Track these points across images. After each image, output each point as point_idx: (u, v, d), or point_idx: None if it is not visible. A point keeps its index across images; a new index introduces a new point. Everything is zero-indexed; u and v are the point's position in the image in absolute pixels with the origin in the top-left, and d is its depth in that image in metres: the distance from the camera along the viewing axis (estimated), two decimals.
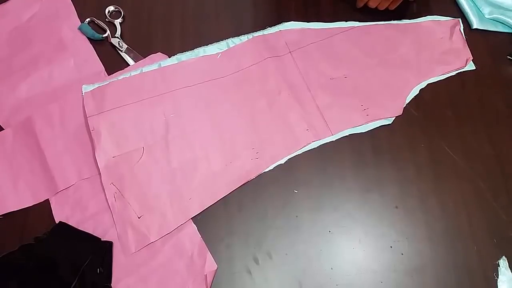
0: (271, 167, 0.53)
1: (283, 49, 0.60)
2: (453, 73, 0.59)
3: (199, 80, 0.57)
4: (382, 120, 0.56)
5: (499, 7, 0.63)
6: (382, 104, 0.56)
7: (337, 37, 0.61)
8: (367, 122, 0.55)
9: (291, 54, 0.59)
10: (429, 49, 0.61)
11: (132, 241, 0.48)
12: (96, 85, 0.55)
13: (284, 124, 0.55)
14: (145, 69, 0.57)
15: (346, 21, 0.62)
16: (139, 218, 0.49)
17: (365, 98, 0.57)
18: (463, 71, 0.59)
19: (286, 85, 0.57)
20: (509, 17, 0.62)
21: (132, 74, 0.56)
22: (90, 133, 0.53)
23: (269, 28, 0.61)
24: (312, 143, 0.54)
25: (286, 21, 0.62)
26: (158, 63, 0.58)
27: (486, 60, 0.60)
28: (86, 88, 0.55)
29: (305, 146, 0.54)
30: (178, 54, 0.59)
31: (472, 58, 0.60)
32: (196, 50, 0.59)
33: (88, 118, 0.53)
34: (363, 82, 0.58)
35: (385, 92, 0.57)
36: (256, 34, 0.60)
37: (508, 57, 0.60)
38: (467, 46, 0.61)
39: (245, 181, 0.52)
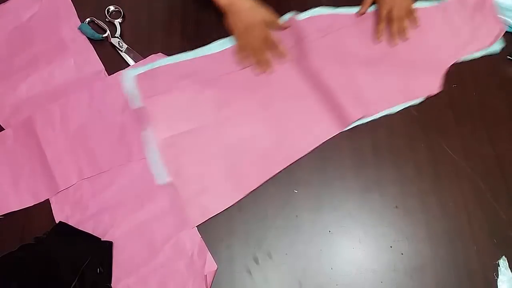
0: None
1: (316, 33, 0.60)
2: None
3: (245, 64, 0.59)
4: (413, 100, 0.57)
5: (499, 7, 0.63)
6: (419, 83, 0.57)
7: (371, 20, 0.62)
8: (405, 101, 0.56)
9: (324, 37, 0.60)
10: (461, 26, 0.61)
11: (191, 217, 0.50)
12: (139, 69, 0.57)
13: (330, 103, 0.56)
14: (195, 55, 0.59)
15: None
16: (195, 195, 0.51)
17: (402, 78, 0.58)
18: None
19: (328, 65, 0.57)
20: (509, 17, 0.61)
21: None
22: (142, 114, 0.54)
23: (299, 13, 0.61)
24: (355, 122, 0.55)
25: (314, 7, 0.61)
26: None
27: (486, 60, 0.60)
28: (131, 73, 0.57)
29: (352, 123, 0.55)
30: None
31: (504, 30, 0.60)
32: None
33: (144, 99, 0.55)
34: (399, 62, 0.59)
35: (421, 71, 0.58)
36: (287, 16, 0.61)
37: (508, 57, 0.60)
38: (498, 18, 0.61)
39: (298, 157, 0.53)
